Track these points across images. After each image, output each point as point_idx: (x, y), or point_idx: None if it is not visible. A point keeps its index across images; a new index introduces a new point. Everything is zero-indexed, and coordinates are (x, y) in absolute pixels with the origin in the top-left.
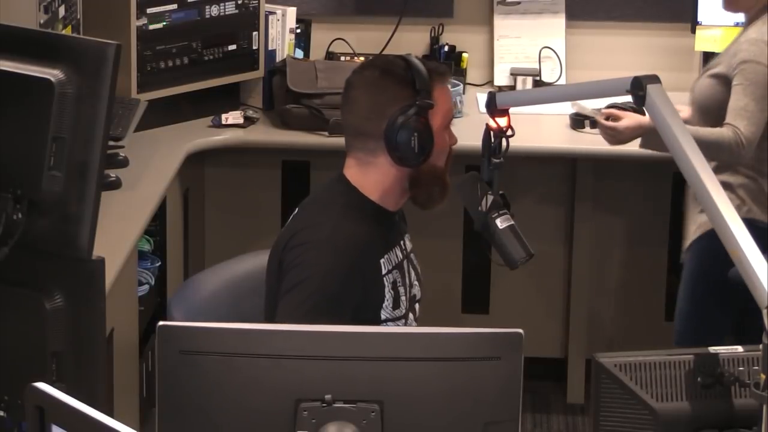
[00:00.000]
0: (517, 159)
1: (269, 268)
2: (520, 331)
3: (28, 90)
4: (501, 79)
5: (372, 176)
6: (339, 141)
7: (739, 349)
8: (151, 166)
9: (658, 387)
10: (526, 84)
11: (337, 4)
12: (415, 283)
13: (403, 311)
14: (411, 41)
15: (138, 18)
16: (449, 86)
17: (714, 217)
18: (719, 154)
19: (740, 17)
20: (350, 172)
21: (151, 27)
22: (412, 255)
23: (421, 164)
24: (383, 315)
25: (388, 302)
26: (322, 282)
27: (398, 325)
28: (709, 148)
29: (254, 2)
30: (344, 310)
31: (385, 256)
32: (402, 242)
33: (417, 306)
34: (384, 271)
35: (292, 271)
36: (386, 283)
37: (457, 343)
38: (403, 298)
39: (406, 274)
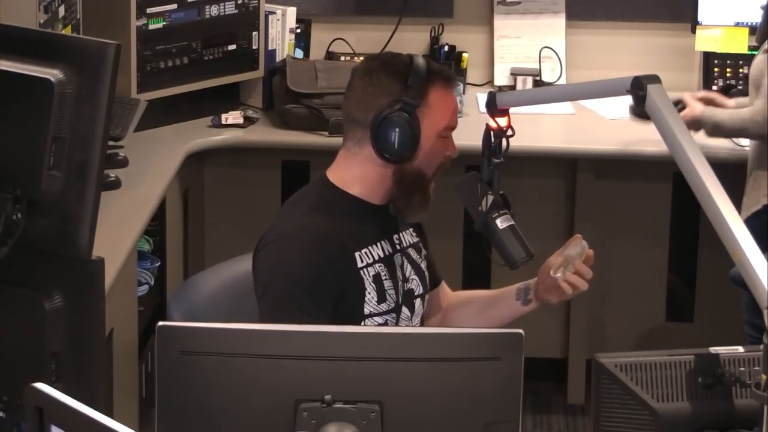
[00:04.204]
0: (518, 159)
1: None
2: (521, 331)
3: (27, 90)
4: (501, 79)
5: (356, 168)
6: (339, 141)
7: (740, 349)
8: (151, 166)
9: (659, 387)
10: (526, 84)
11: (337, 4)
12: (413, 278)
13: (392, 305)
14: (411, 41)
15: (138, 18)
16: (454, 92)
17: (714, 216)
18: (745, 133)
19: (741, 17)
20: (333, 169)
21: (151, 27)
22: (411, 250)
23: (403, 163)
24: (367, 309)
25: (370, 296)
26: (293, 278)
27: (387, 320)
28: (732, 132)
29: (254, 2)
30: (322, 300)
31: (363, 250)
32: (396, 236)
33: (417, 301)
34: (360, 264)
35: (260, 275)
36: (365, 276)
37: (457, 343)
38: (390, 292)
39: (398, 269)
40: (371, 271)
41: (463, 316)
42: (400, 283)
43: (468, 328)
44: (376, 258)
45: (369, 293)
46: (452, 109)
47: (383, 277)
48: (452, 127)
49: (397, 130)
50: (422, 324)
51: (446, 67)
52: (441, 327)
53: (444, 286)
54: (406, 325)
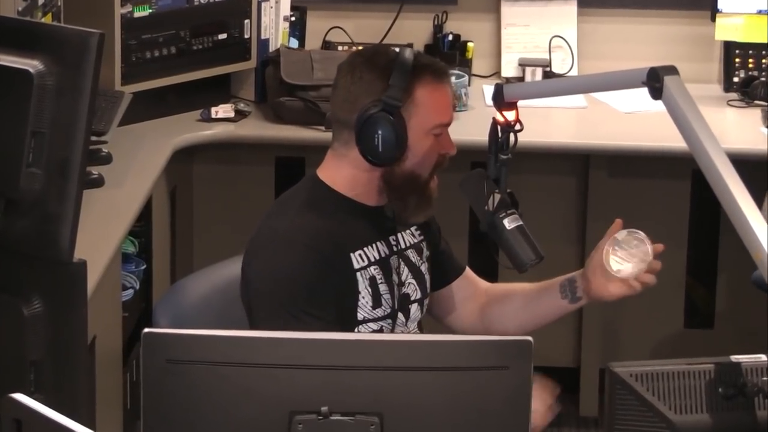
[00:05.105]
0: (526, 155)
1: None
2: (530, 338)
3: (5, 82)
4: (509, 70)
5: (345, 170)
6: None
7: (763, 357)
8: (136, 163)
9: (677, 398)
10: (535, 75)
11: None
12: (410, 282)
13: (387, 311)
14: (413, 30)
15: (122, 5)
16: (447, 86)
17: (735, 215)
18: None
19: (763, 4)
20: (323, 168)
21: (136, 15)
22: (410, 251)
23: (391, 165)
24: (361, 314)
25: (365, 300)
26: (293, 281)
27: (383, 326)
28: None
29: None
30: (326, 300)
31: (359, 251)
32: (393, 238)
33: (414, 307)
34: (356, 266)
35: (255, 282)
36: (360, 279)
37: (462, 351)
38: (386, 296)
39: (394, 272)
40: (366, 274)
41: (505, 313)
42: (395, 287)
43: (474, 336)
44: (372, 260)
45: (363, 297)
46: (444, 104)
47: (379, 281)
48: (445, 124)
49: (379, 132)
50: (420, 328)
51: (437, 59)
52: (476, 322)
53: (471, 276)
54: (402, 332)
